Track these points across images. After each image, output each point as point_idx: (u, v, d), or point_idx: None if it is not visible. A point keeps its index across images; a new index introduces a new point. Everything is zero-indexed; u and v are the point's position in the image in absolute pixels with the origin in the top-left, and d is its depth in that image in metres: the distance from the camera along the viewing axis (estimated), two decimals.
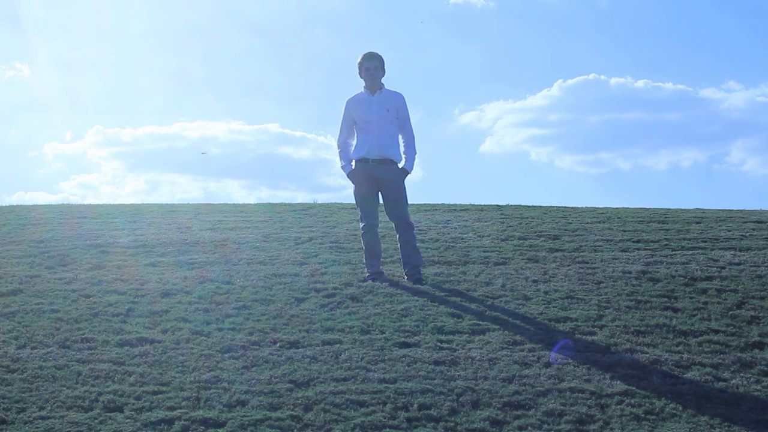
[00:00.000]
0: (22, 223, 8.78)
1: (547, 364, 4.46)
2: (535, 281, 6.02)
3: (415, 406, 3.96)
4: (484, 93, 37.43)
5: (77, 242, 7.52)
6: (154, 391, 4.10)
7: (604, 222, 8.51)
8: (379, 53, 6.21)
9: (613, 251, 7.00)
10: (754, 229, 7.97)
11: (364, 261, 6.28)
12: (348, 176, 6.29)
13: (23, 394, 4.06)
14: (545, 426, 3.79)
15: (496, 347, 4.70)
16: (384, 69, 6.22)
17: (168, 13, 35.51)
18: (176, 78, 36.39)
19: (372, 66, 6.17)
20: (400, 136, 6.32)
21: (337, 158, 6.35)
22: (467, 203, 12.00)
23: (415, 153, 6.32)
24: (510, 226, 8.25)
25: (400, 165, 6.30)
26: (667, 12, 37.02)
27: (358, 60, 6.21)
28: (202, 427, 3.74)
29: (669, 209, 11.14)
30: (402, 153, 6.29)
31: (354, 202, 6.47)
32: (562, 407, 3.96)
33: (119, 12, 34.46)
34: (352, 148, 6.33)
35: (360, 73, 6.22)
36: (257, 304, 5.49)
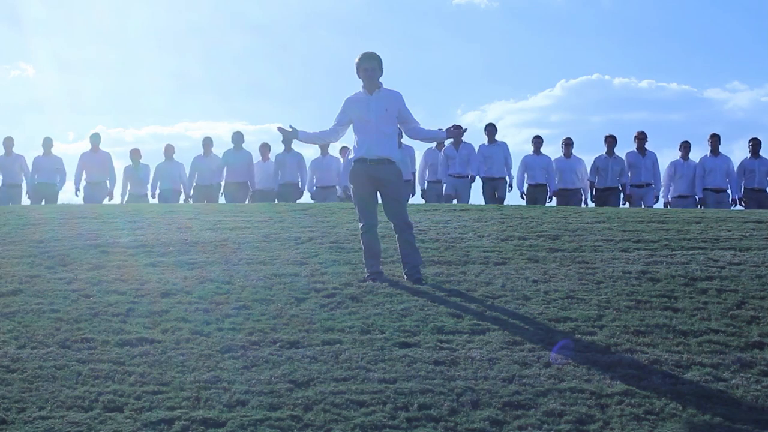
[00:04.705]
0: (22, 223, 8.78)
1: (547, 364, 4.46)
2: (535, 281, 6.02)
3: (415, 406, 3.96)
4: (486, 93, 37.38)
5: (77, 242, 7.52)
6: (154, 391, 4.11)
7: (604, 222, 8.50)
8: (377, 53, 6.23)
9: (613, 251, 7.00)
10: (754, 229, 7.97)
11: (364, 261, 6.28)
12: (299, 138, 6.39)
13: (23, 394, 4.06)
14: (545, 426, 3.80)
15: (496, 347, 4.70)
16: (382, 69, 6.24)
17: (169, 13, 35.52)
18: (179, 78, 36.40)
19: (370, 67, 6.19)
20: (403, 134, 6.41)
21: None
22: (467, 203, 12.00)
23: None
24: (510, 226, 8.25)
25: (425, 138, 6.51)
26: (671, 12, 36.97)
27: (356, 60, 6.22)
28: (202, 427, 3.74)
29: (669, 209, 11.13)
30: (422, 135, 6.46)
31: (353, 202, 6.50)
32: (562, 407, 3.96)
33: (120, 12, 34.46)
34: (337, 135, 6.48)
35: (358, 74, 6.24)
36: (257, 304, 5.49)
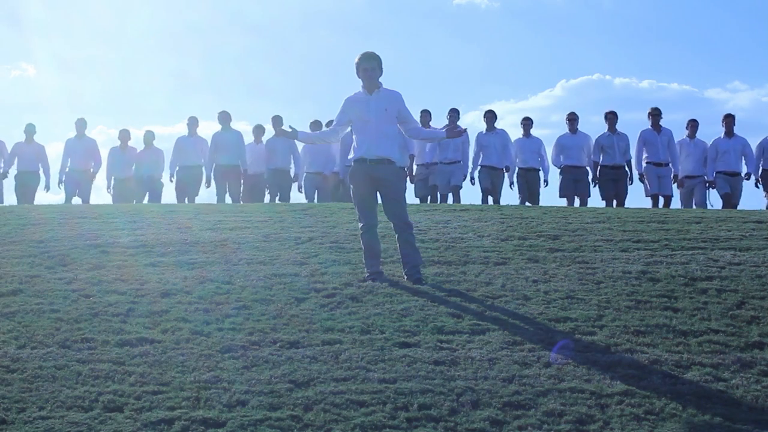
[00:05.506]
0: (22, 223, 8.78)
1: (547, 364, 4.47)
2: (535, 281, 6.02)
3: (415, 406, 3.96)
4: (486, 93, 37.42)
5: (77, 242, 7.52)
6: (154, 391, 4.11)
7: (604, 222, 8.50)
8: (377, 53, 6.24)
9: (613, 251, 7.00)
10: (754, 229, 7.97)
11: (364, 261, 6.28)
12: (300, 139, 6.51)
13: (23, 394, 4.06)
14: (545, 426, 3.80)
15: (496, 347, 4.70)
16: (381, 69, 6.25)
17: (169, 13, 35.55)
18: (179, 78, 36.44)
19: (370, 67, 6.19)
20: (403, 133, 6.44)
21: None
22: (467, 203, 11.99)
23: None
24: (510, 226, 8.25)
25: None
26: (671, 12, 37.00)
27: (356, 60, 6.23)
28: (202, 427, 3.74)
29: (669, 209, 11.13)
30: (422, 135, 6.86)
31: (353, 202, 6.50)
32: (562, 407, 3.96)
33: (120, 12, 34.49)
34: (337, 136, 6.60)
35: (358, 74, 6.25)
36: (257, 304, 5.49)
